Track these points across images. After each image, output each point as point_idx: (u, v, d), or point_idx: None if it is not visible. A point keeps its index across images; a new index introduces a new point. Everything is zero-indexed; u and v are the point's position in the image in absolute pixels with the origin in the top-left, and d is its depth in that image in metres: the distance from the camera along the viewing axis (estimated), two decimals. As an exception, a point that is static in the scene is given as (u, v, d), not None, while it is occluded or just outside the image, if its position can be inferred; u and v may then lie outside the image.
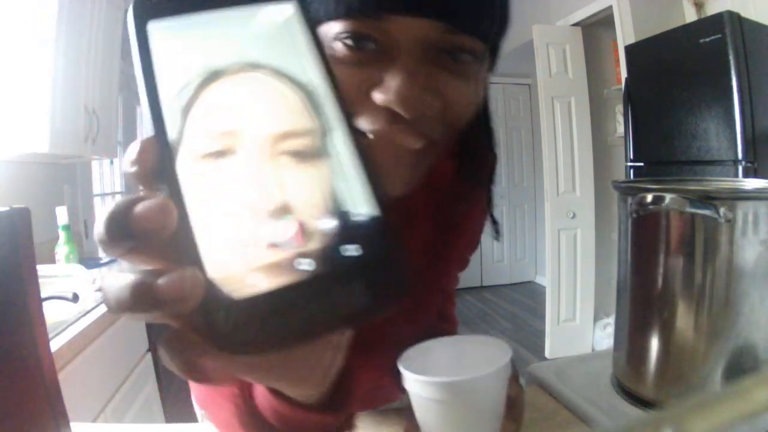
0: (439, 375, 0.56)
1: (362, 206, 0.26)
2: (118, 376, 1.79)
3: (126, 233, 0.23)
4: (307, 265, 0.24)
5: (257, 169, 0.25)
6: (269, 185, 0.25)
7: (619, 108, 3.66)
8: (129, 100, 4.11)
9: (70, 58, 2.27)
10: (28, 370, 0.56)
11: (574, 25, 3.83)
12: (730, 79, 2.27)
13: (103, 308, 1.68)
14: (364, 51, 0.47)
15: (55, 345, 1.32)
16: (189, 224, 0.23)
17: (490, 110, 0.69)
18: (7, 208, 0.54)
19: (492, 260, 6.16)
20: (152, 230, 0.23)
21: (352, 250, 0.25)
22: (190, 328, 0.24)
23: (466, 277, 6.07)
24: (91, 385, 1.56)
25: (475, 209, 0.79)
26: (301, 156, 0.26)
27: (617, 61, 3.60)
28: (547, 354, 3.91)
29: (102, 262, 2.57)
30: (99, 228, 0.24)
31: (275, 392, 0.38)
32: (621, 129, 3.48)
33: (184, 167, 0.24)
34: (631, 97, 2.93)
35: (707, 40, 2.36)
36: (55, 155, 2.32)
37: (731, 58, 2.26)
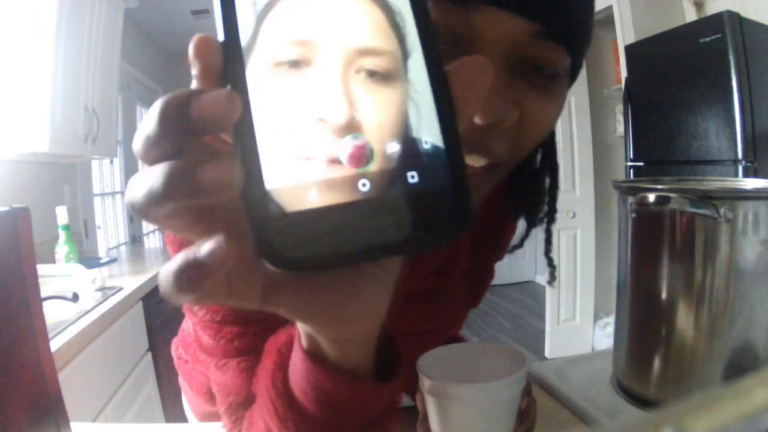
0: (456, 380, 0.57)
1: (430, 135, 0.25)
2: (118, 376, 1.79)
3: (183, 121, 0.21)
4: (367, 186, 0.23)
5: (331, 82, 0.24)
6: (341, 100, 0.24)
7: (619, 107, 3.66)
8: (129, 99, 4.11)
9: (70, 57, 2.27)
10: (28, 369, 0.56)
11: (574, 24, 3.82)
12: (729, 79, 2.27)
13: (103, 308, 1.68)
14: (442, 45, 0.40)
15: (55, 345, 1.32)
16: (252, 129, 0.22)
17: (556, 142, 0.63)
18: (8, 208, 0.54)
19: (492, 260, 6.15)
20: (214, 120, 0.21)
21: (414, 177, 0.24)
22: (239, 243, 0.22)
23: (466, 277, 6.06)
24: (91, 384, 1.56)
25: (508, 236, 0.76)
26: (377, 76, 0.25)
27: (617, 60, 3.60)
28: (546, 353, 3.91)
29: (102, 261, 2.56)
30: (150, 119, 0.22)
31: (314, 358, 0.34)
32: (621, 128, 3.47)
33: (253, 72, 0.23)
34: (631, 96, 2.93)
35: (707, 39, 2.36)
36: (55, 155, 2.32)
37: (731, 57, 2.26)
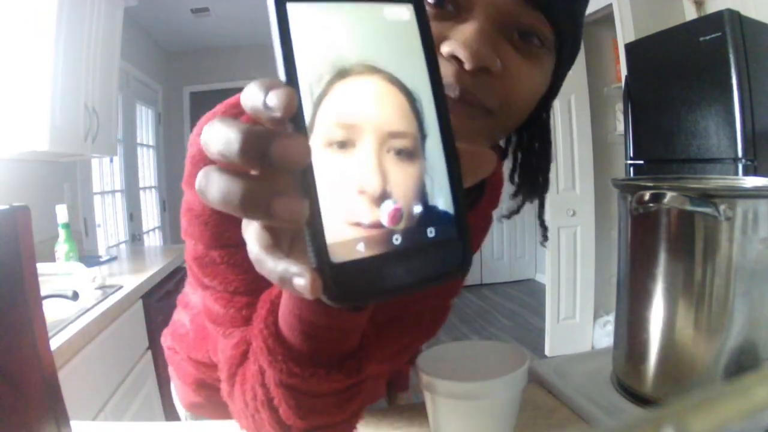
0: (456, 378, 0.57)
1: (442, 201, 0.32)
2: (118, 375, 1.79)
3: (263, 154, 0.27)
4: (398, 240, 0.30)
5: (369, 160, 0.30)
6: (377, 175, 0.30)
7: (619, 106, 3.66)
8: (128, 98, 4.11)
9: (70, 56, 2.27)
10: (28, 368, 0.56)
11: (574, 23, 3.82)
12: (729, 78, 2.27)
13: (103, 306, 1.68)
14: (441, 9, 0.50)
15: (54, 343, 1.32)
16: (314, 180, 0.29)
17: (551, 123, 0.68)
18: (7, 207, 0.54)
19: (492, 258, 6.16)
20: (290, 160, 0.27)
21: (432, 232, 0.31)
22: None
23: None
24: (91, 383, 1.56)
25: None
26: (403, 153, 0.31)
27: (617, 58, 3.60)
28: (546, 352, 3.91)
29: (102, 260, 2.57)
30: (229, 138, 0.27)
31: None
32: (621, 127, 3.47)
33: (313, 148, 0.28)
34: (631, 95, 2.92)
35: (707, 38, 2.36)
36: (54, 153, 2.32)
37: (731, 56, 2.26)
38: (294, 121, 0.28)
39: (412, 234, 0.31)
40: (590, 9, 3.55)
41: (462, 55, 0.47)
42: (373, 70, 0.30)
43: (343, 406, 0.49)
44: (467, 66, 0.48)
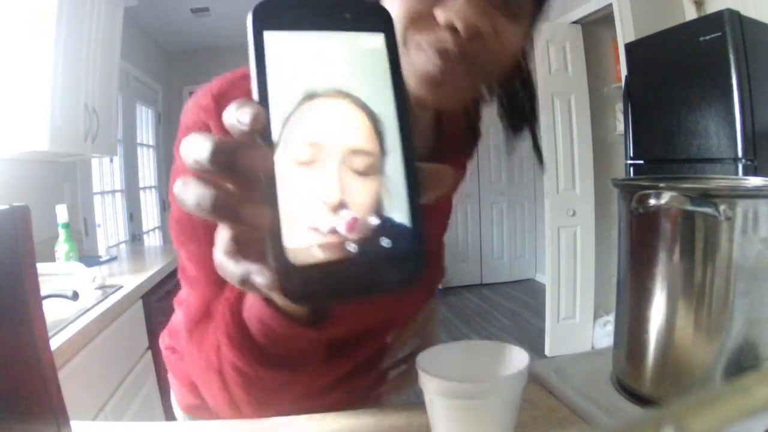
0: (456, 378, 0.57)
1: (399, 214, 0.34)
2: (118, 374, 1.79)
3: (231, 165, 0.31)
4: (353, 248, 0.33)
5: (331, 174, 0.33)
6: (336, 188, 0.33)
7: (619, 106, 3.66)
8: (128, 98, 4.11)
9: (70, 56, 2.27)
10: (27, 368, 0.56)
11: (574, 22, 3.83)
12: (729, 77, 2.27)
13: (103, 306, 1.68)
14: None
15: (54, 343, 1.32)
16: (276, 202, 0.31)
17: (533, 76, 0.77)
18: (7, 206, 0.54)
19: (492, 257, 6.16)
20: (254, 170, 0.31)
21: (386, 243, 0.34)
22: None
23: (466, 274, 6.08)
24: (91, 383, 1.56)
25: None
26: (362, 170, 0.33)
27: (617, 58, 3.60)
28: (546, 352, 3.91)
29: (102, 260, 2.57)
30: (204, 148, 0.31)
31: (269, 303, 0.45)
32: (621, 127, 3.47)
33: (279, 166, 0.32)
34: (631, 94, 2.93)
35: (707, 38, 2.36)
36: (54, 153, 2.32)
37: (731, 56, 2.26)
38: (262, 135, 0.31)
39: (367, 244, 0.33)
40: (590, 9, 3.57)
41: (459, 25, 0.53)
42: (340, 93, 0.33)
43: (287, 390, 0.56)
44: (464, 35, 0.54)
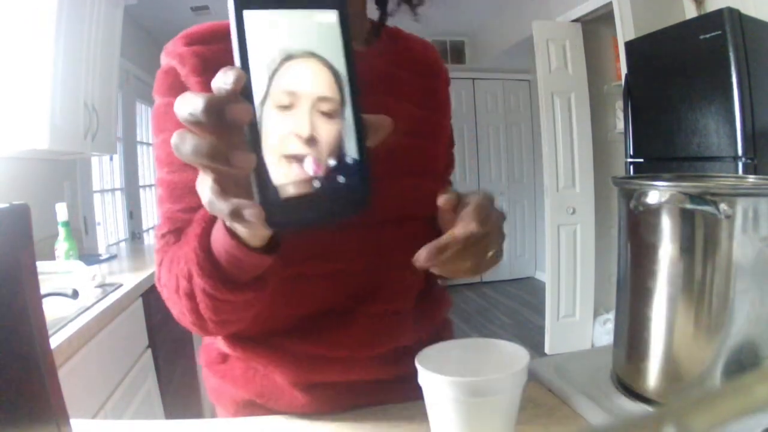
0: (457, 376, 0.57)
1: (351, 153, 0.43)
2: (118, 373, 1.79)
3: (220, 116, 0.38)
4: (318, 184, 0.42)
5: (303, 115, 0.42)
6: (307, 124, 0.42)
7: (619, 104, 3.66)
8: (128, 96, 4.10)
9: (70, 54, 2.27)
10: (28, 366, 0.56)
11: (573, 20, 3.83)
12: (729, 76, 2.27)
13: (102, 305, 1.68)
14: None
15: (54, 341, 1.32)
16: (260, 147, 0.40)
17: None
18: (7, 205, 0.54)
19: (492, 256, 6.16)
20: (238, 120, 0.39)
21: (342, 179, 0.43)
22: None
23: (466, 274, 6.07)
24: (91, 381, 1.56)
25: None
26: (328, 112, 0.42)
27: (617, 57, 3.60)
28: (546, 350, 3.92)
29: (102, 258, 2.57)
30: (195, 104, 0.38)
31: (232, 236, 0.53)
32: (621, 125, 3.47)
33: (267, 112, 0.41)
34: (631, 93, 2.92)
35: (707, 36, 2.36)
36: (54, 152, 2.32)
37: (731, 54, 2.26)
38: (243, 93, 0.39)
39: (327, 180, 0.42)
40: (590, 7, 3.58)
41: None
42: (311, 55, 0.42)
43: (249, 308, 0.65)
44: None
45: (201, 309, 0.64)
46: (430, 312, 0.87)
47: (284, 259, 0.63)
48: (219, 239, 0.56)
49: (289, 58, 0.41)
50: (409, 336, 0.81)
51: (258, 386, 0.81)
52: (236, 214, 0.40)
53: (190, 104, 0.38)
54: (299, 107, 0.42)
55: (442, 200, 0.62)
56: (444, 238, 0.59)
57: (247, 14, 0.40)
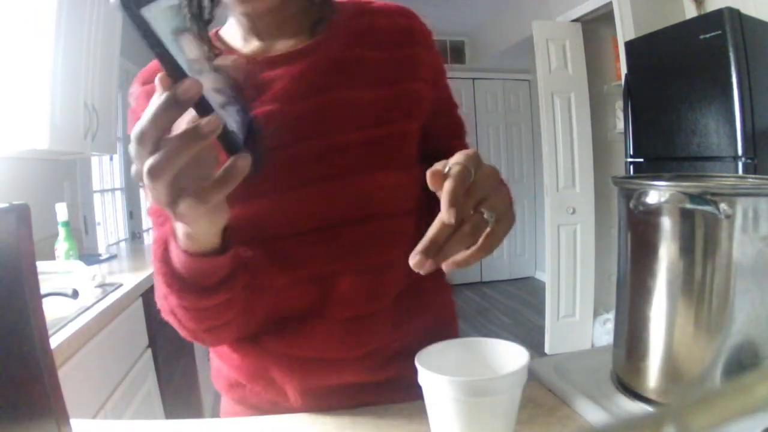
0: (456, 375, 0.57)
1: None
2: (118, 373, 1.79)
3: (176, 100, 0.44)
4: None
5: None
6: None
7: (619, 104, 3.66)
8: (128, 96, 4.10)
9: (70, 54, 2.27)
10: (28, 366, 0.56)
11: (573, 20, 3.83)
12: (729, 76, 2.27)
13: (102, 305, 1.68)
14: None
15: (54, 341, 1.32)
16: (206, 100, 0.46)
17: None
18: (7, 205, 0.54)
19: (491, 255, 6.12)
20: (188, 96, 0.44)
21: (248, 141, 0.49)
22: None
23: (466, 273, 6.08)
24: (91, 381, 1.56)
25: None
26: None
27: (617, 56, 3.60)
28: (546, 350, 3.92)
29: (102, 258, 2.56)
30: (157, 100, 0.44)
31: (185, 251, 0.59)
32: (621, 125, 3.48)
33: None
34: (631, 92, 2.92)
35: (707, 36, 2.36)
36: (54, 152, 2.32)
37: (731, 54, 2.26)
38: (175, 75, 0.43)
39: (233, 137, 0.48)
40: (590, 6, 3.58)
41: None
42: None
43: (227, 310, 0.68)
44: None
45: (185, 322, 0.68)
46: (416, 312, 0.83)
47: (250, 268, 0.69)
48: (175, 254, 0.61)
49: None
50: (387, 337, 0.78)
51: (250, 374, 0.81)
52: (234, 170, 0.46)
53: (155, 108, 0.44)
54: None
55: (429, 179, 0.53)
56: (431, 231, 0.52)
57: (147, 12, 0.41)
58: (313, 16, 0.79)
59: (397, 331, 0.79)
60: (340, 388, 0.79)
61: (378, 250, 0.77)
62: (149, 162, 0.44)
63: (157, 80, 0.44)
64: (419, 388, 0.61)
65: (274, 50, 0.78)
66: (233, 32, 0.80)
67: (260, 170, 0.48)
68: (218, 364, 0.87)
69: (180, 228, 0.58)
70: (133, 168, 0.46)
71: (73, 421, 0.62)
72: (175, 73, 0.43)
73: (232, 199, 0.67)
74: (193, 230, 0.56)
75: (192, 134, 0.44)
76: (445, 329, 0.90)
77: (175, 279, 0.63)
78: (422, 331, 0.81)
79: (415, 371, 0.60)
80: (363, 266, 0.75)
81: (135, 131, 0.45)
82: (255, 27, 0.77)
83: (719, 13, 2.32)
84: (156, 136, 0.44)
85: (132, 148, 0.46)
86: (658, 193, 0.65)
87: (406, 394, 0.73)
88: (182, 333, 0.72)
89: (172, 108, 0.44)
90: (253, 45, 0.79)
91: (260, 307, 0.75)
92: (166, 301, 0.67)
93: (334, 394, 0.79)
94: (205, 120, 0.44)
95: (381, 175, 0.75)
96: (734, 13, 2.28)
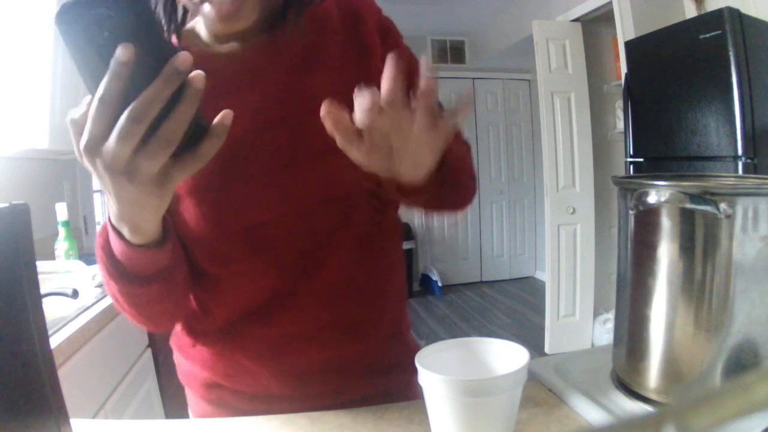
0: (456, 375, 0.57)
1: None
2: (118, 372, 1.79)
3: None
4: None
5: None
6: None
7: (619, 103, 3.66)
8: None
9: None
10: (27, 366, 0.56)
11: (573, 20, 3.83)
12: (729, 75, 2.27)
13: (103, 304, 1.68)
14: None
15: (54, 341, 1.32)
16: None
17: None
18: (7, 204, 0.54)
19: (492, 255, 6.17)
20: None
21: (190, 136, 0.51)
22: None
23: (466, 272, 6.09)
24: (91, 381, 1.56)
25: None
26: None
27: (617, 56, 3.60)
28: (546, 349, 3.92)
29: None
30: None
31: (122, 239, 0.62)
32: (621, 124, 3.48)
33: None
34: (630, 92, 2.92)
35: (707, 35, 2.36)
36: (54, 151, 2.32)
37: (731, 54, 2.26)
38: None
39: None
40: (590, 6, 3.57)
41: None
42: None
43: (165, 299, 0.72)
44: None
45: (126, 307, 0.72)
46: (387, 275, 0.88)
47: (220, 257, 0.76)
48: (115, 245, 0.64)
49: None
50: (359, 305, 0.83)
51: (224, 369, 0.83)
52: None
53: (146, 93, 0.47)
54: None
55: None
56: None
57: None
58: (274, 8, 0.78)
59: (368, 298, 0.84)
60: (316, 367, 0.81)
61: (350, 226, 0.81)
62: (132, 107, 0.46)
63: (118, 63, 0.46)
64: (419, 386, 0.61)
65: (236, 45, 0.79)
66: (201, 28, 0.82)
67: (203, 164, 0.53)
68: (187, 366, 0.89)
69: (125, 222, 0.61)
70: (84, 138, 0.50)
71: (73, 421, 0.62)
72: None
73: (205, 190, 0.73)
74: (138, 217, 0.60)
75: (169, 72, 0.46)
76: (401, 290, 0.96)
77: (114, 265, 0.66)
78: (393, 293, 0.90)
79: (415, 371, 0.60)
80: (334, 242, 0.80)
81: (131, 112, 0.47)
82: (224, 36, 0.79)
83: (719, 12, 2.32)
84: (155, 111, 0.47)
85: (121, 127, 0.47)
86: (658, 193, 0.65)
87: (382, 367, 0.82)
88: (126, 316, 0.76)
89: (173, 82, 0.47)
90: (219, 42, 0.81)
91: (233, 293, 0.80)
92: (108, 287, 0.71)
93: (310, 375, 0.81)
94: (177, 56, 0.46)
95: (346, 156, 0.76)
96: (734, 13, 2.28)
